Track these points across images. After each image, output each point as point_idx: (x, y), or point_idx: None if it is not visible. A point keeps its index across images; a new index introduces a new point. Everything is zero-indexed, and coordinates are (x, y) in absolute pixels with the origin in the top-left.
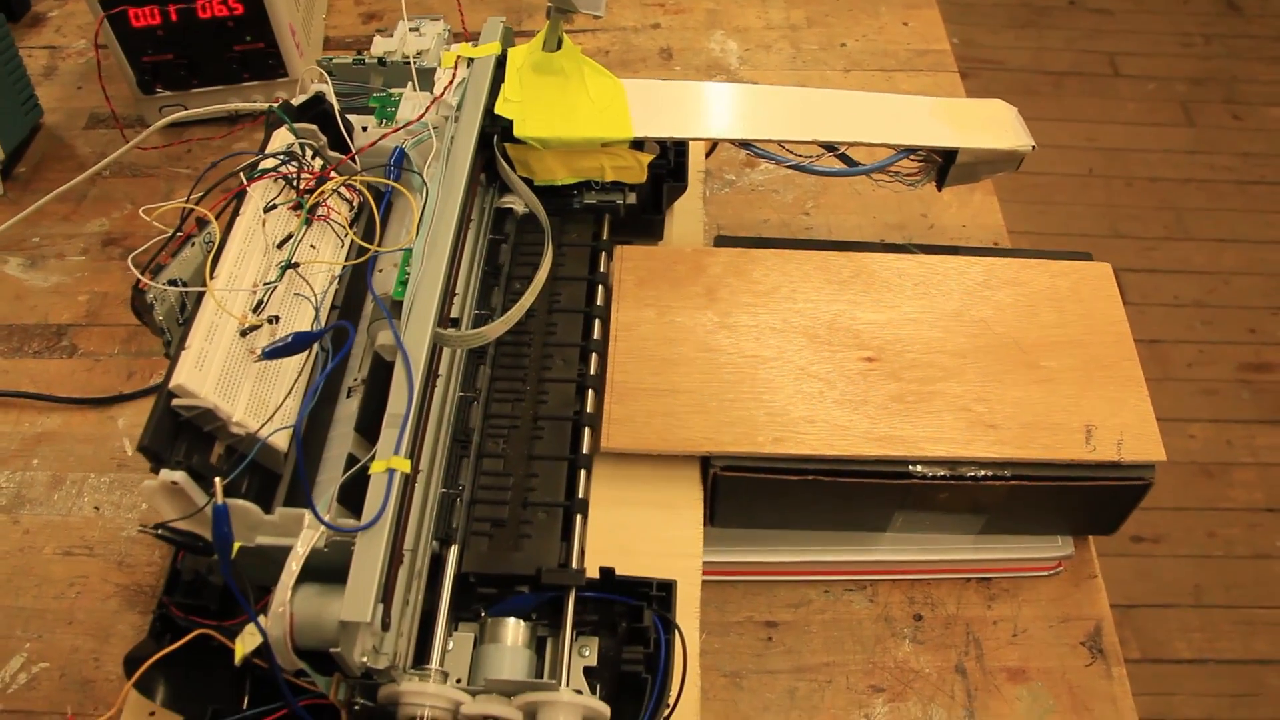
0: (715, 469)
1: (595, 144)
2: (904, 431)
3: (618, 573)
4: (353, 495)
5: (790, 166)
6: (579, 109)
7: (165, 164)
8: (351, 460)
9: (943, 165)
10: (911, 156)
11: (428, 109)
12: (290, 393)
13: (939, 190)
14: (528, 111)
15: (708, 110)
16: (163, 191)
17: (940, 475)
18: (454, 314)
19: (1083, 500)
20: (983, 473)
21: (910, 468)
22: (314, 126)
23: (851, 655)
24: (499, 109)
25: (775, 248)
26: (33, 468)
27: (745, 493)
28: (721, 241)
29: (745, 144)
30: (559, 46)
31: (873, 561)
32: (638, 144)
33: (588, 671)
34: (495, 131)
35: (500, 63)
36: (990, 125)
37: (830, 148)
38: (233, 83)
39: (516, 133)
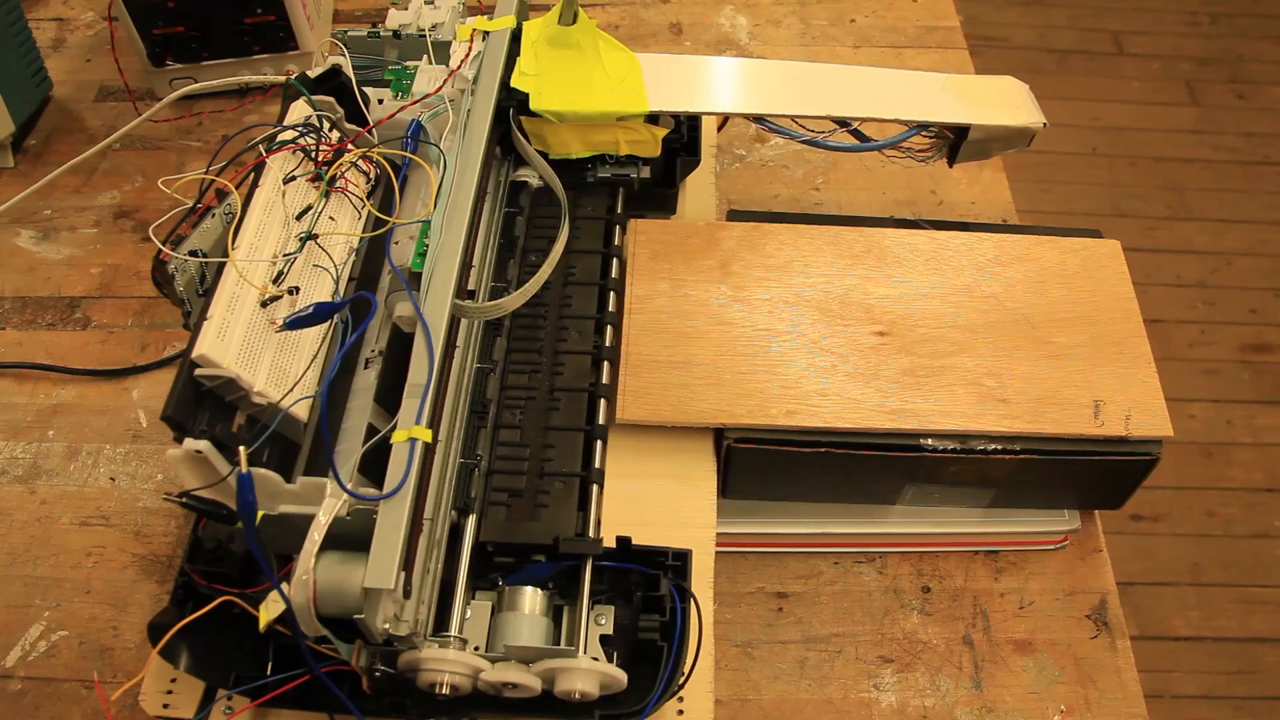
0: (729, 441)
1: (611, 117)
2: (915, 405)
3: (633, 542)
4: (372, 465)
5: (804, 141)
6: (594, 82)
7: (176, 136)
8: (371, 430)
9: (954, 142)
10: (923, 133)
11: (444, 82)
12: (311, 363)
13: (950, 166)
14: (543, 85)
15: (722, 85)
16: (173, 164)
17: (950, 449)
18: (470, 286)
19: (1090, 475)
20: (992, 447)
21: (921, 441)
22: (331, 99)
23: (861, 626)
24: (515, 82)
25: (787, 222)
26: (49, 439)
27: (758, 465)
28: (734, 216)
29: (759, 119)
30: (574, 20)
31: (882, 534)
32: (652, 118)
33: (604, 640)
34: (511, 105)
35: (516, 36)
36: (1002, 102)
37: (843, 123)
38: (243, 55)
39: (532, 106)
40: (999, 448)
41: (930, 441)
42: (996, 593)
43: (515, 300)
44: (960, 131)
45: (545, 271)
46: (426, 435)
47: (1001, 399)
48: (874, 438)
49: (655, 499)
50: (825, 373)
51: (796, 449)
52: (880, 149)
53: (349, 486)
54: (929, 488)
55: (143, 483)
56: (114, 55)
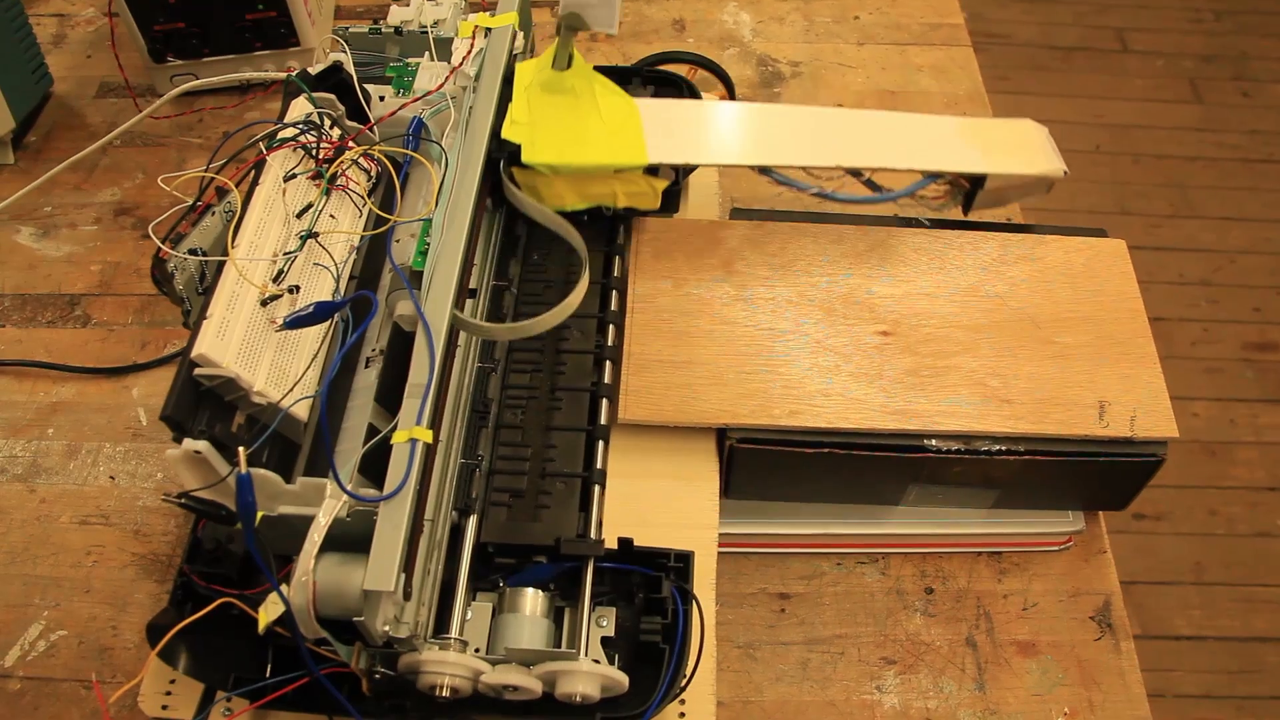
0: (731, 441)
1: (608, 170)
2: (919, 405)
3: (635, 543)
4: (372, 466)
5: (814, 194)
6: (590, 132)
7: (176, 133)
8: (372, 431)
9: (970, 190)
10: (937, 181)
11: (446, 79)
12: (311, 363)
13: (965, 214)
14: (536, 135)
15: (727, 133)
16: (174, 161)
17: (954, 450)
18: (471, 284)
19: (1095, 476)
20: (996, 448)
21: (925, 442)
22: (332, 96)
23: (863, 627)
24: (506, 133)
25: (791, 221)
26: (48, 437)
27: (761, 465)
28: (737, 214)
29: (765, 170)
30: (569, 64)
31: (885, 534)
32: (652, 169)
33: (605, 642)
34: (501, 156)
35: (508, 80)
36: (1020, 148)
37: (855, 173)
38: (244, 52)
39: (525, 158)
40: (1003, 449)
41: (934, 442)
42: (1000, 594)
43: (512, 331)
44: (976, 180)
45: (550, 319)
46: (427, 436)
47: (1006, 399)
48: (877, 438)
49: (657, 499)
50: (828, 372)
51: (799, 449)
52: (893, 200)
53: (349, 487)
54: (932, 488)
55: (142, 481)
56: (114, 51)
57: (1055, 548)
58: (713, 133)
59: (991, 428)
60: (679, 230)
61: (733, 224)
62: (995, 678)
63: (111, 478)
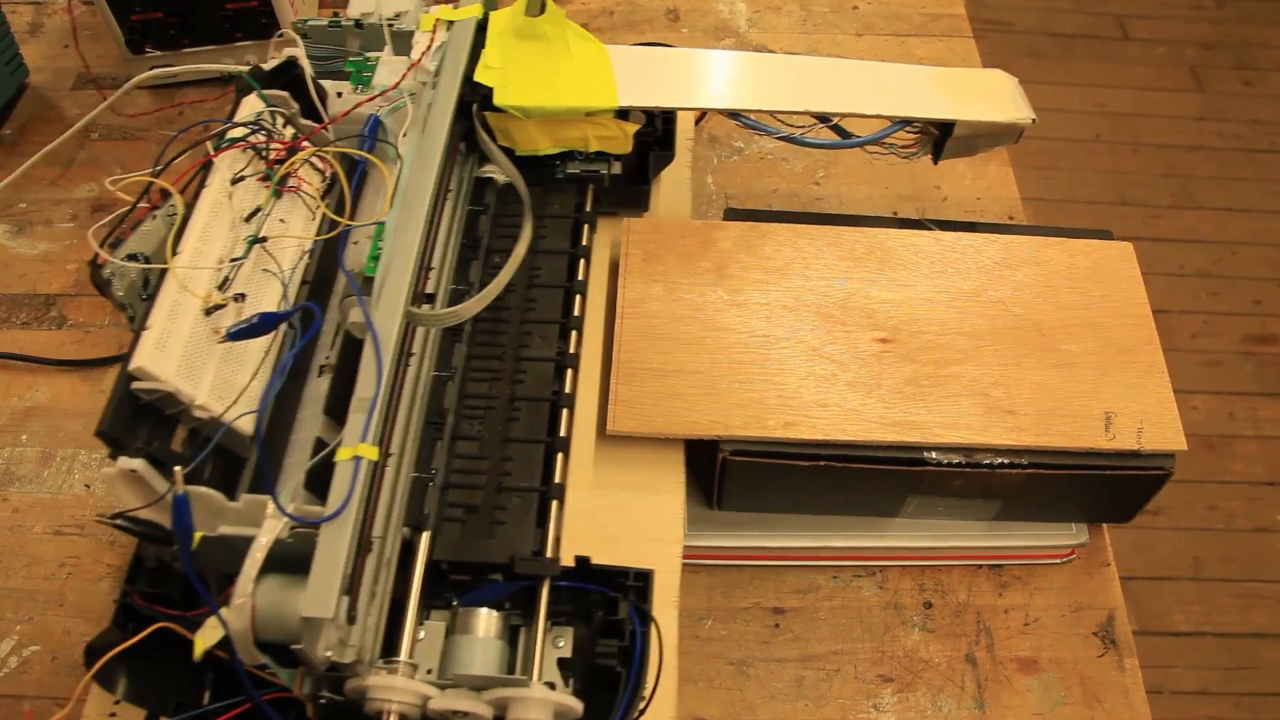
0: (724, 453)
1: (579, 113)
2: (919, 416)
3: (596, 559)
4: (321, 480)
5: (781, 138)
6: (562, 76)
7: (156, 127)
8: (319, 445)
9: (939, 137)
10: (907, 128)
11: (404, 75)
12: (256, 375)
13: (935, 163)
14: (509, 79)
15: (696, 79)
16: (153, 155)
17: (955, 463)
18: (430, 289)
19: (1101, 489)
20: (999, 460)
21: (925, 454)
22: (286, 93)
23: (860, 643)
24: (479, 76)
25: (787, 221)
26: (22, 443)
27: (755, 478)
28: (731, 215)
29: (734, 114)
30: (542, 10)
31: (883, 547)
32: (623, 113)
33: (562, 663)
34: (475, 100)
35: (481, 28)
36: (989, 96)
37: (824, 119)
38: (225, 42)
39: (497, 101)
40: (1006, 461)
41: (934, 455)
42: (1000, 609)
43: (471, 307)
44: (945, 127)
45: (506, 275)
46: (372, 453)
47: (1008, 410)
48: (875, 450)
49: (621, 512)
50: (825, 382)
51: (795, 462)
52: (861, 145)
53: (293, 505)
54: (932, 501)
55: None
56: (77, 48)
57: (1058, 560)
58: (683, 78)
59: (994, 440)
60: (670, 232)
61: (726, 225)
62: (995, 696)
63: (87, 486)
